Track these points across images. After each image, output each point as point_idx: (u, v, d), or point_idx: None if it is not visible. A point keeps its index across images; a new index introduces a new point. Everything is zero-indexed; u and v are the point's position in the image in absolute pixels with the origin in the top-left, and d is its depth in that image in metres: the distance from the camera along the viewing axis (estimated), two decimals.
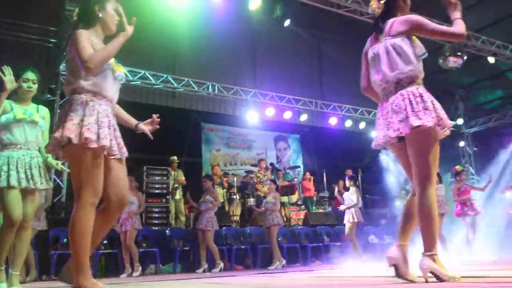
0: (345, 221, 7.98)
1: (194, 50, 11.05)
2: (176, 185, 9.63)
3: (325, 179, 12.05)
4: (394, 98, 2.68)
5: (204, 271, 7.38)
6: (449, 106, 13.82)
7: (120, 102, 2.87)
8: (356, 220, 7.83)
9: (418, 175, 2.61)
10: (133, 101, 9.89)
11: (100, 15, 2.68)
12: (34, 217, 4.10)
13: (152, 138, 3.08)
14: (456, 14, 2.77)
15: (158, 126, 3.07)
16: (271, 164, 12.25)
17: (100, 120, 2.52)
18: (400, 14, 2.85)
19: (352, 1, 9.24)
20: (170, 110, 11.04)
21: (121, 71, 2.74)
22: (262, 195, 10.14)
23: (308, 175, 12.03)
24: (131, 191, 7.32)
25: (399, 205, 10.75)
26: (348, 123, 12.92)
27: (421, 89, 2.65)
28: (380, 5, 2.87)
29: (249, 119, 11.69)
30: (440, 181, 7.56)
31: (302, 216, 10.65)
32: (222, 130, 13.00)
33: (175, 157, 9.93)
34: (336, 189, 8.78)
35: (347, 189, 8.30)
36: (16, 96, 3.77)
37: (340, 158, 12.55)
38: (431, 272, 2.46)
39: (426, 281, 2.47)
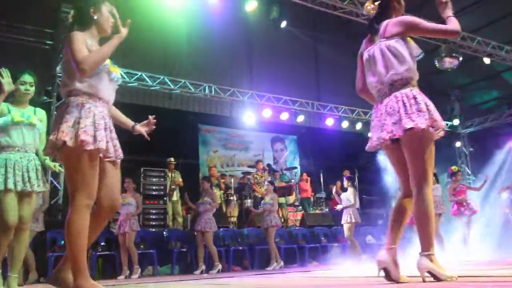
0: (343, 221, 8.01)
1: (190, 51, 11.05)
2: (173, 187, 9.62)
3: (322, 180, 12.07)
4: (388, 100, 2.69)
5: (201, 272, 7.38)
6: (445, 107, 13.87)
7: (117, 104, 2.87)
8: (354, 221, 7.87)
9: (415, 176, 2.63)
10: (129, 102, 9.88)
11: (95, 17, 2.69)
12: (32, 219, 4.11)
13: (149, 139, 3.09)
14: (448, 12, 2.80)
15: (154, 127, 3.08)
16: (268, 165, 12.26)
17: (96, 122, 2.52)
18: (394, 15, 2.86)
19: (348, 2, 9.26)
20: (167, 111, 11.03)
21: (117, 72, 2.75)
22: (260, 196, 10.15)
23: (305, 176, 12.04)
24: (129, 193, 7.35)
25: None
26: (345, 124, 12.94)
27: (415, 91, 2.67)
28: (374, 7, 2.89)
29: (246, 120, 11.70)
30: (437, 181, 7.60)
31: (299, 217, 10.66)
32: (219, 131, 13.00)
33: (172, 159, 9.93)
34: (334, 189, 8.80)
35: (344, 190, 8.32)
36: (13, 98, 3.79)
37: (337, 159, 12.57)
38: (429, 272, 2.47)
39: (424, 281, 2.48)
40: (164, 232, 8.46)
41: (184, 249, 8.03)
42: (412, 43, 2.77)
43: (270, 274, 6.03)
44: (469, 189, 8.52)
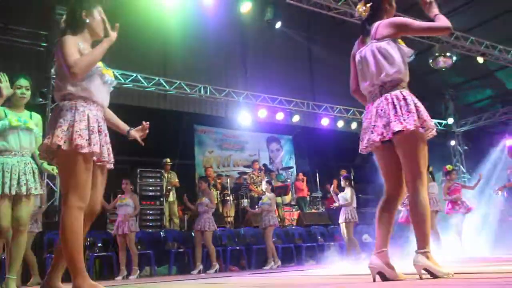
0: (341, 221, 8.03)
1: (185, 52, 11.05)
2: (169, 187, 9.63)
3: (318, 179, 12.11)
4: (379, 101, 2.73)
5: (199, 272, 7.40)
6: (440, 106, 13.95)
7: (112, 105, 2.89)
8: (352, 220, 7.90)
9: (409, 176, 2.66)
10: (125, 104, 9.85)
11: (87, 21, 2.71)
12: (31, 220, 4.13)
13: (143, 145, 3.12)
14: (435, 11, 2.81)
15: (147, 131, 3.12)
16: (264, 165, 12.29)
17: (91, 125, 2.55)
18: (386, 16, 2.89)
19: (343, 3, 9.31)
20: (162, 112, 11.03)
21: (110, 75, 2.76)
22: (256, 195, 10.18)
23: (301, 175, 12.08)
24: (126, 194, 7.37)
25: None
26: (340, 124, 12.99)
27: (405, 92, 2.70)
28: (366, 9, 2.91)
29: (242, 120, 11.71)
30: (433, 179, 7.66)
31: (295, 217, 10.70)
32: (215, 132, 13.02)
33: (168, 160, 9.93)
34: (332, 188, 8.83)
35: (342, 189, 8.36)
36: (9, 102, 3.80)
37: (333, 158, 12.61)
38: (425, 269, 2.49)
39: (421, 278, 2.51)
40: (161, 233, 8.47)
41: (182, 250, 8.04)
42: (403, 44, 2.80)
43: (268, 274, 6.05)
44: (463, 187, 8.58)
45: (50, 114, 8.31)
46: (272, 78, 12.30)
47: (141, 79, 10.13)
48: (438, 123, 13.75)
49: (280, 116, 12.22)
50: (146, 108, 10.78)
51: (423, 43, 10.60)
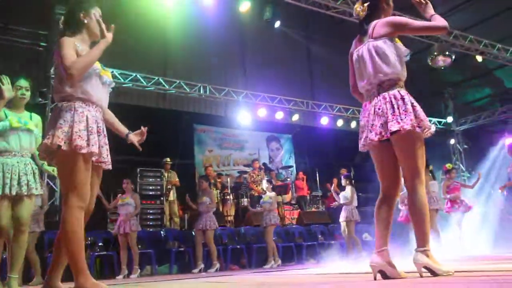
0: (341, 219, 8.04)
1: (185, 52, 11.06)
2: (169, 187, 9.64)
3: (318, 178, 12.12)
4: (377, 100, 2.74)
5: (200, 271, 7.41)
6: (439, 104, 13.96)
7: (112, 105, 2.90)
8: (353, 219, 7.93)
9: (408, 175, 2.68)
10: (124, 103, 9.86)
11: (85, 21, 2.72)
12: (33, 220, 4.15)
13: (141, 150, 3.13)
14: (430, 11, 2.84)
15: (145, 136, 3.13)
16: (264, 164, 12.30)
17: (90, 126, 2.56)
18: (383, 15, 2.90)
19: (341, 2, 9.31)
20: (161, 112, 11.04)
21: (108, 75, 2.78)
22: (257, 194, 10.20)
23: (301, 174, 12.10)
24: (127, 193, 7.39)
25: None
26: (340, 123, 13.01)
27: (403, 92, 2.71)
28: (364, 8, 2.92)
29: (241, 120, 11.72)
30: (433, 177, 7.67)
31: (296, 216, 10.71)
32: (214, 131, 13.02)
33: (168, 159, 9.94)
34: (332, 187, 8.84)
35: (342, 188, 8.38)
36: (9, 103, 3.82)
37: (332, 157, 12.63)
38: (425, 267, 2.51)
39: (421, 276, 2.52)
40: (162, 232, 8.48)
41: (182, 249, 8.06)
42: (399, 43, 2.81)
43: (268, 272, 6.06)
44: (463, 186, 8.60)
45: (50, 114, 8.33)
46: (272, 77, 12.31)
47: (141, 79, 10.13)
48: (438, 121, 13.77)
49: (279, 115, 12.23)
50: (146, 107, 10.80)
51: (422, 42, 10.61)
